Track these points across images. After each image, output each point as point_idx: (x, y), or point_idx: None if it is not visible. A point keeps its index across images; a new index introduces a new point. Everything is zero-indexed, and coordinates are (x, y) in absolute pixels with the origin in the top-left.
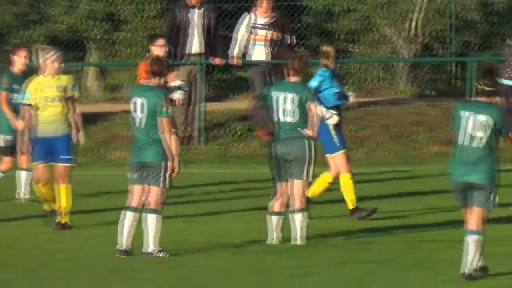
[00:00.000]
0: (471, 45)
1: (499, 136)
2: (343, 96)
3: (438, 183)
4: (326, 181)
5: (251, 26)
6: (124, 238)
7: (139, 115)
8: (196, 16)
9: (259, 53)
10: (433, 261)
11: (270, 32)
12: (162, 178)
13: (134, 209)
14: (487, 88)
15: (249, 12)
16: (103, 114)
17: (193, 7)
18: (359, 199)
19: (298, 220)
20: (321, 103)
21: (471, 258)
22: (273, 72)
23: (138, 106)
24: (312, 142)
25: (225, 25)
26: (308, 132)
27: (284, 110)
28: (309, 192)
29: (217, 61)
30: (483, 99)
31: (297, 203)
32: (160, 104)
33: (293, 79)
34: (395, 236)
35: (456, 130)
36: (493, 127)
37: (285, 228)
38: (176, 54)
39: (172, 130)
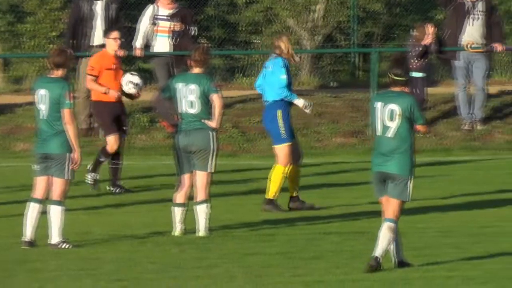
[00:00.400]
0: (374, 36)
1: (412, 125)
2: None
3: (342, 175)
4: (279, 174)
5: (154, 18)
6: (28, 230)
7: (42, 106)
8: (98, 8)
9: (162, 44)
10: (337, 253)
11: (173, 23)
12: (66, 170)
13: (39, 201)
14: (397, 78)
15: (152, 3)
16: (7, 105)
17: None
18: (263, 191)
19: (201, 212)
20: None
21: (382, 244)
22: (175, 63)
23: (42, 98)
24: (215, 133)
25: (129, 16)
26: (210, 123)
27: (187, 102)
28: (270, 194)
29: (119, 52)
30: (395, 89)
31: (200, 195)
32: (63, 96)
33: (195, 70)
34: (298, 228)
35: (372, 122)
36: (403, 116)
37: (191, 219)
38: (80, 46)
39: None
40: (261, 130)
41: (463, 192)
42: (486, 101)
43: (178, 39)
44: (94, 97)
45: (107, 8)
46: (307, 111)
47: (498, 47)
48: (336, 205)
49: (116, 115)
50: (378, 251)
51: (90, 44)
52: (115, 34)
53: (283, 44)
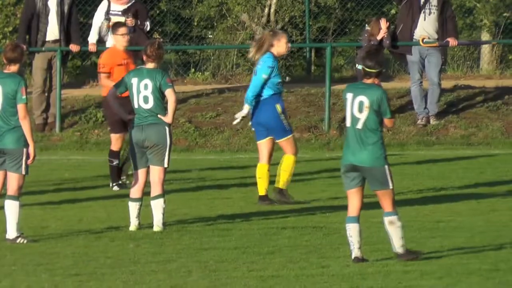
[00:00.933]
0: (327, 31)
1: (381, 117)
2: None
3: (297, 170)
4: (291, 163)
5: (108, 13)
6: None
7: None
8: (52, 3)
9: None
10: (293, 247)
11: (125, 18)
12: (21, 165)
13: None
14: (368, 70)
15: None
16: None
17: None
18: (217, 186)
19: (157, 206)
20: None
21: (395, 239)
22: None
23: None
24: (170, 128)
25: (83, 11)
26: (165, 118)
27: (141, 97)
28: (280, 183)
29: (73, 47)
30: (367, 80)
31: (156, 190)
32: (18, 91)
33: (149, 65)
34: (254, 223)
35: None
36: (371, 108)
37: (147, 214)
38: (34, 41)
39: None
40: (216, 124)
41: (418, 187)
42: (440, 95)
43: (130, 35)
44: (105, 93)
45: (61, 3)
46: (235, 121)
47: (452, 41)
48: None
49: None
50: (396, 246)
51: (44, 39)
52: (122, 30)
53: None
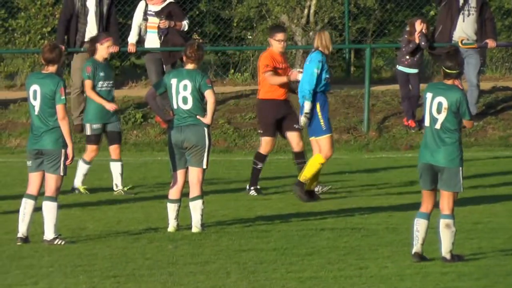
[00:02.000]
0: (367, 32)
1: (460, 118)
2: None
3: (337, 171)
4: (317, 162)
5: (145, 13)
6: (22, 226)
7: (35, 102)
8: (91, 3)
9: (153, 40)
10: (331, 249)
11: (159, 20)
12: (60, 166)
13: (33, 197)
14: (448, 71)
15: None
16: (0, 101)
17: None
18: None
19: (195, 208)
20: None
21: (445, 243)
22: (164, 60)
23: (34, 93)
24: (209, 129)
25: (122, 12)
26: (204, 119)
27: (180, 97)
28: (302, 177)
29: (113, 49)
30: (447, 81)
31: (195, 191)
32: (56, 92)
33: (189, 66)
34: (293, 224)
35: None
36: (450, 109)
37: (186, 215)
38: (73, 42)
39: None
40: (255, 126)
41: None
42: (479, 97)
43: (162, 37)
44: (261, 96)
45: (100, 3)
46: (302, 122)
47: (490, 43)
48: (329, 199)
49: (280, 115)
50: (444, 251)
51: (83, 40)
52: (280, 36)
53: (320, 39)
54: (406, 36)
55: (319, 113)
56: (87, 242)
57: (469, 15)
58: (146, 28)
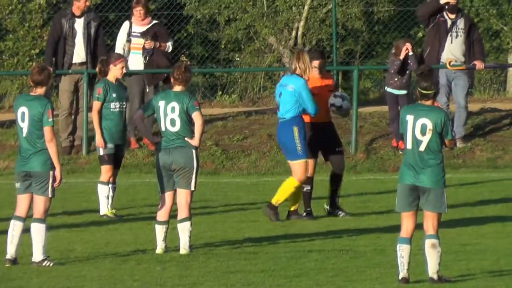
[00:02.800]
0: (354, 53)
1: (443, 139)
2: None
3: (325, 193)
4: (291, 186)
5: (129, 34)
6: (11, 248)
7: (23, 124)
8: (79, 26)
9: (136, 61)
10: (319, 270)
11: (144, 40)
12: (48, 187)
13: (21, 219)
14: (424, 92)
15: (129, 20)
16: None
17: (76, 16)
18: (245, 208)
19: (183, 229)
20: None
21: (432, 264)
22: (147, 81)
23: (22, 115)
24: (197, 151)
25: (112, 34)
26: (191, 141)
27: (168, 119)
28: (274, 199)
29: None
30: (425, 102)
31: (183, 213)
32: (44, 114)
33: (176, 88)
34: (281, 246)
35: (403, 134)
36: (435, 131)
37: (174, 237)
38: (63, 64)
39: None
40: (243, 147)
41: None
42: (467, 118)
43: (147, 57)
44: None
45: (87, 25)
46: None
47: (479, 64)
48: (317, 222)
49: (318, 136)
50: (431, 272)
51: (71, 62)
52: (316, 62)
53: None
54: (392, 58)
55: (297, 137)
56: (76, 264)
57: (457, 36)
58: (130, 49)
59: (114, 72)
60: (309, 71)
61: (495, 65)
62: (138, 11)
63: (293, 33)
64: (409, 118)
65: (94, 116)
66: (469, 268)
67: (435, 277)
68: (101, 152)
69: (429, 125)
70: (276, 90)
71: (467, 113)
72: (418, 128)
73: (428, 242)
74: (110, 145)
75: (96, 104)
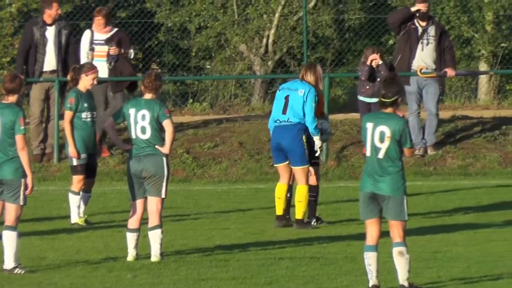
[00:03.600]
0: (325, 61)
1: (401, 147)
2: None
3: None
4: (303, 193)
5: (91, 43)
6: None
7: None
8: (50, 34)
9: (100, 69)
10: (290, 278)
11: (109, 47)
12: (19, 195)
13: None
14: (382, 99)
15: (89, 28)
16: None
17: (47, 24)
18: (215, 216)
19: (154, 237)
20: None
21: (401, 271)
22: (111, 87)
23: None
24: (167, 159)
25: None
26: (162, 149)
27: (138, 127)
28: (299, 215)
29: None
30: (385, 110)
31: (153, 220)
32: (16, 122)
33: (147, 96)
34: (252, 253)
35: (363, 142)
36: (393, 138)
37: (145, 245)
38: (31, 72)
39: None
40: (214, 155)
41: (415, 217)
42: (438, 126)
43: (112, 63)
44: None
45: (58, 34)
46: (318, 150)
47: (450, 72)
48: (289, 231)
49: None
50: (401, 279)
51: (42, 70)
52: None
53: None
54: (361, 66)
55: (305, 143)
56: (47, 272)
57: (428, 44)
58: (93, 57)
59: (85, 82)
60: (321, 83)
61: (466, 72)
62: (98, 21)
63: (264, 40)
64: (369, 125)
65: (66, 126)
66: (439, 275)
67: (405, 284)
68: (74, 162)
69: (388, 133)
70: (279, 94)
71: (438, 121)
72: (377, 136)
73: (395, 250)
74: (83, 155)
75: (68, 114)
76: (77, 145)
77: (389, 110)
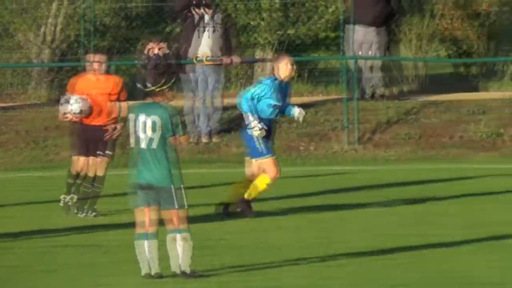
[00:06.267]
0: (112, 49)
1: (170, 136)
2: (283, 110)
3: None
4: (261, 182)
5: None
6: None
7: None
8: None
9: None
10: (72, 266)
11: None
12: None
13: None
14: (145, 89)
15: None
16: None
17: None
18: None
19: None
20: (255, 111)
21: (187, 257)
22: None
23: None
24: None
25: None
26: None
27: None
28: (246, 194)
29: None
30: (150, 99)
31: None
32: None
33: None
34: (37, 241)
35: (134, 132)
36: (164, 127)
37: None
38: None
39: None
40: None
41: (196, 203)
42: (220, 113)
43: None
44: None
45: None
46: (252, 132)
47: (232, 59)
48: (75, 219)
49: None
50: (183, 265)
51: None
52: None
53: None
54: (140, 55)
55: (255, 138)
56: None
57: (214, 31)
58: None
59: None
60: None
61: (249, 60)
62: None
63: (42, 29)
64: (139, 117)
65: None
66: (213, 264)
67: (188, 270)
68: None
69: (158, 122)
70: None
71: (221, 108)
72: (149, 125)
73: (179, 237)
74: None
75: None
76: None
77: (157, 99)
